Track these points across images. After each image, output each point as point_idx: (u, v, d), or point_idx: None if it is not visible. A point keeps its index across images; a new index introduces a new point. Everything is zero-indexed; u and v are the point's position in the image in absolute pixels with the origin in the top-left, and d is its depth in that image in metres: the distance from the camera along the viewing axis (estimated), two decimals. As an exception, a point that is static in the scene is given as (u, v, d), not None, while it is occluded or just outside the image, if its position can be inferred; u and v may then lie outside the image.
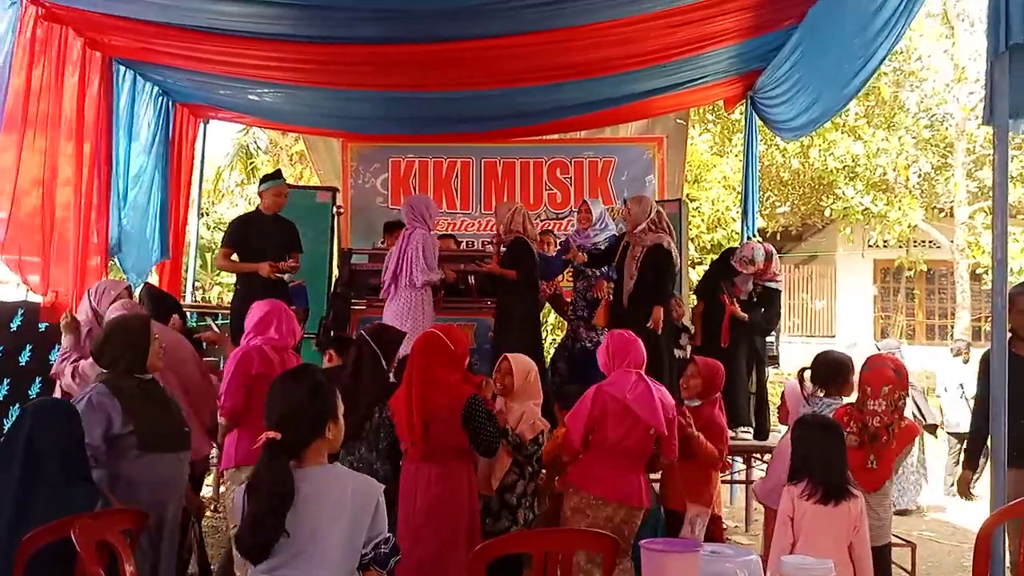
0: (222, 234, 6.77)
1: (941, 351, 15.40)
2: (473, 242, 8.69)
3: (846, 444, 3.50)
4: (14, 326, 5.29)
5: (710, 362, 4.79)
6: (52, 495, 2.89)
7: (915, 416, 7.76)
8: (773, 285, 6.21)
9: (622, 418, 3.96)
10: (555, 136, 8.96)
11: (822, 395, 4.19)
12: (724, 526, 6.65)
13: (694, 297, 6.84)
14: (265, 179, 6.47)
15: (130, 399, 3.40)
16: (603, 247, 6.44)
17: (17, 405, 5.15)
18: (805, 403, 4.23)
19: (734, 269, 6.10)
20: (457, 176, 9.00)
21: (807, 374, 4.27)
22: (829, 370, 4.22)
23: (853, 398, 4.03)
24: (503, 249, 6.20)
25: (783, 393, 4.71)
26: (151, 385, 3.59)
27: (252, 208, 6.80)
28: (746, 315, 6.00)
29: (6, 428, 4.97)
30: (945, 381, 9.24)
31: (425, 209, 6.05)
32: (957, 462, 8.33)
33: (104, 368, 3.54)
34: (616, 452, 3.98)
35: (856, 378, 4.12)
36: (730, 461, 5.97)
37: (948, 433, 8.96)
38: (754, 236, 7.89)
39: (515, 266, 5.94)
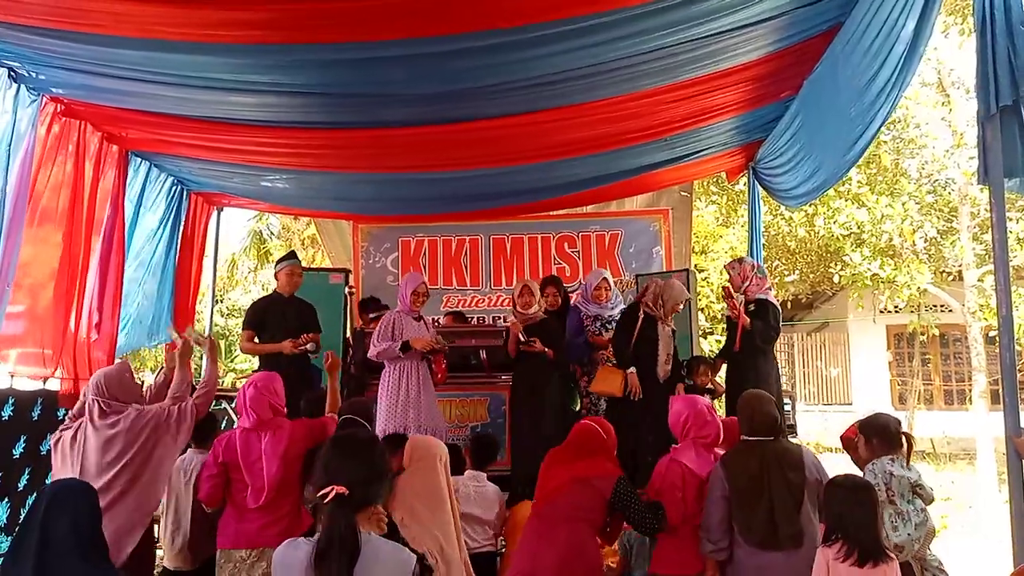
0: (238, 320, 6.84)
1: (960, 416, 15.25)
2: (484, 318, 8.75)
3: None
4: (35, 415, 5.32)
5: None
6: (70, 579, 2.84)
7: None
8: (761, 296, 6.16)
9: (699, 493, 4.02)
10: (562, 211, 9.09)
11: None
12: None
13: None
14: (280, 260, 6.62)
15: None
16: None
17: (35, 495, 5.14)
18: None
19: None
20: (466, 253, 9.15)
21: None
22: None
23: None
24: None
25: None
26: None
27: (267, 292, 6.91)
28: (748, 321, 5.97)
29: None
30: None
31: (403, 288, 6.06)
32: None
33: None
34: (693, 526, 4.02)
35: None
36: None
37: None
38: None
39: (553, 345, 6.07)
